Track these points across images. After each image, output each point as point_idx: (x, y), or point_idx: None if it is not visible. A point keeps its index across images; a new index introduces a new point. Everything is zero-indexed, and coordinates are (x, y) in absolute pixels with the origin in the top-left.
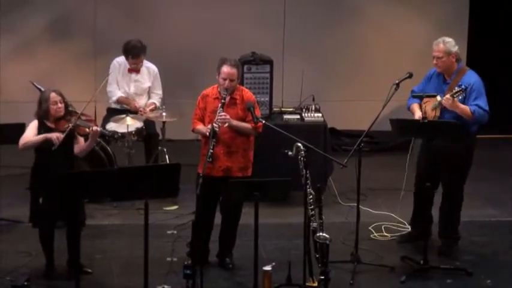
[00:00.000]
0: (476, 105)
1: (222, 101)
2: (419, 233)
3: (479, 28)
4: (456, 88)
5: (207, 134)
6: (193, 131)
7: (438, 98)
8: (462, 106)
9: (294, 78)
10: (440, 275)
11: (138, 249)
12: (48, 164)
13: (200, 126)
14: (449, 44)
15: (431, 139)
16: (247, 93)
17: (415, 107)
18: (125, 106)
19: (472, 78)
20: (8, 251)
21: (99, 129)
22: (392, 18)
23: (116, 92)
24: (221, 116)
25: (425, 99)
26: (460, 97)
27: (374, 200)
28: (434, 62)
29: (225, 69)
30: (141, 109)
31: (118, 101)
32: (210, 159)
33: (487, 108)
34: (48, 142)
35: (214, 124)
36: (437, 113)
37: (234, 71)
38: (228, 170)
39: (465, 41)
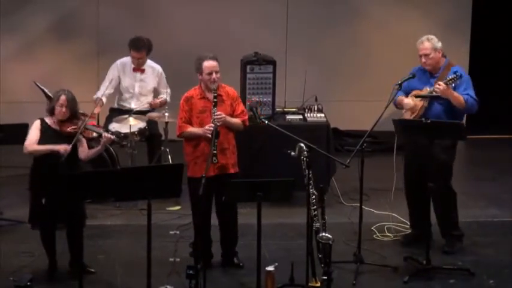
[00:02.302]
0: (467, 94)
1: (214, 100)
2: (421, 232)
3: (482, 28)
4: (451, 75)
5: (207, 134)
6: (181, 135)
7: (428, 88)
8: (455, 93)
9: (297, 78)
10: (443, 275)
11: (141, 250)
12: (50, 164)
13: (193, 129)
14: (433, 40)
15: (433, 139)
16: (231, 89)
17: (403, 98)
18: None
19: (461, 71)
20: (11, 251)
21: (112, 137)
22: (395, 19)
23: (100, 93)
24: (217, 115)
25: (414, 92)
26: (453, 84)
27: (377, 200)
28: (423, 60)
29: (207, 63)
30: (151, 102)
31: (95, 100)
32: (216, 161)
33: (476, 98)
34: (54, 153)
35: (216, 123)
36: (425, 104)
37: (215, 63)
38: (223, 167)
39: (468, 40)
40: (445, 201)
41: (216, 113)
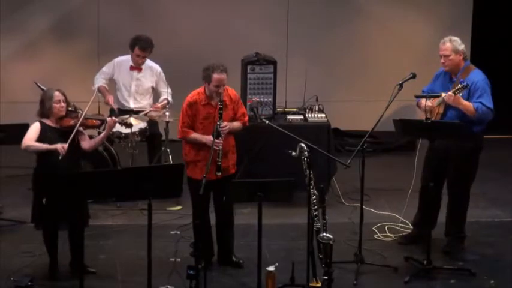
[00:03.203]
0: (479, 102)
1: (220, 111)
2: (421, 233)
3: (483, 28)
4: (459, 85)
5: (215, 147)
6: (184, 138)
7: (443, 94)
8: (465, 102)
9: (298, 78)
10: (444, 275)
11: (142, 250)
12: (52, 164)
13: (197, 135)
14: (455, 42)
15: (434, 139)
16: (232, 92)
17: (422, 100)
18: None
19: (477, 76)
20: (12, 251)
21: (116, 119)
22: (396, 19)
23: (99, 80)
24: (223, 127)
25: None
26: (461, 94)
27: (377, 200)
28: (442, 60)
29: (217, 76)
30: (154, 106)
31: (98, 90)
32: (219, 173)
33: (491, 106)
34: (51, 151)
35: (221, 135)
36: (441, 110)
37: (225, 76)
38: (224, 170)
39: (469, 41)
40: (459, 204)
41: (221, 125)
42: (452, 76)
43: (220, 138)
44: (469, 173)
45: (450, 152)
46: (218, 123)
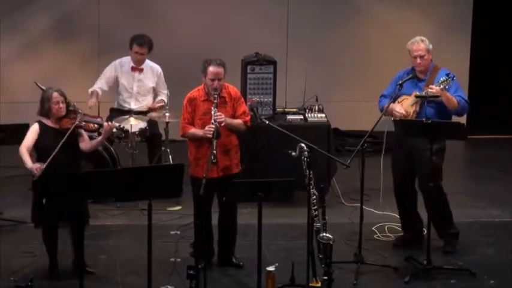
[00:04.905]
0: (458, 96)
1: (214, 101)
2: (412, 234)
3: (483, 28)
4: (443, 78)
5: (207, 135)
6: (184, 135)
7: (417, 93)
8: (449, 95)
9: (298, 78)
10: (444, 276)
11: (142, 250)
12: (52, 163)
13: (195, 130)
14: (426, 41)
15: (433, 139)
16: (234, 89)
17: (394, 106)
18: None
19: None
20: (12, 251)
21: (113, 125)
22: (396, 19)
23: (97, 84)
24: (217, 115)
25: (401, 98)
26: (447, 86)
27: (377, 200)
28: (418, 61)
29: (212, 69)
30: (151, 105)
31: (91, 93)
32: (215, 160)
33: (467, 99)
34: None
35: (216, 124)
36: (417, 108)
37: (220, 70)
38: (227, 168)
39: (468, 40)
40: (439, 202)
41: (216, 114)
42: (419, 76)
43: (217, 123)
44: (438, 167)
45: (417, 150)
46: (213, 112)
